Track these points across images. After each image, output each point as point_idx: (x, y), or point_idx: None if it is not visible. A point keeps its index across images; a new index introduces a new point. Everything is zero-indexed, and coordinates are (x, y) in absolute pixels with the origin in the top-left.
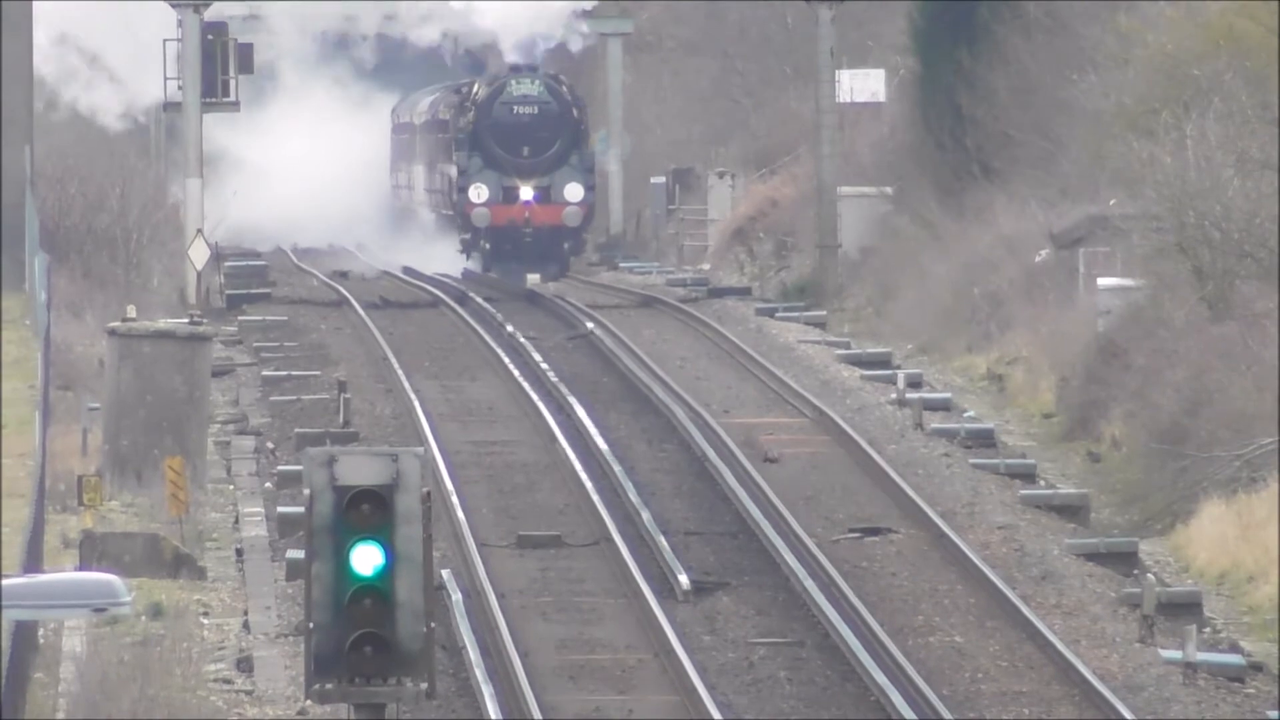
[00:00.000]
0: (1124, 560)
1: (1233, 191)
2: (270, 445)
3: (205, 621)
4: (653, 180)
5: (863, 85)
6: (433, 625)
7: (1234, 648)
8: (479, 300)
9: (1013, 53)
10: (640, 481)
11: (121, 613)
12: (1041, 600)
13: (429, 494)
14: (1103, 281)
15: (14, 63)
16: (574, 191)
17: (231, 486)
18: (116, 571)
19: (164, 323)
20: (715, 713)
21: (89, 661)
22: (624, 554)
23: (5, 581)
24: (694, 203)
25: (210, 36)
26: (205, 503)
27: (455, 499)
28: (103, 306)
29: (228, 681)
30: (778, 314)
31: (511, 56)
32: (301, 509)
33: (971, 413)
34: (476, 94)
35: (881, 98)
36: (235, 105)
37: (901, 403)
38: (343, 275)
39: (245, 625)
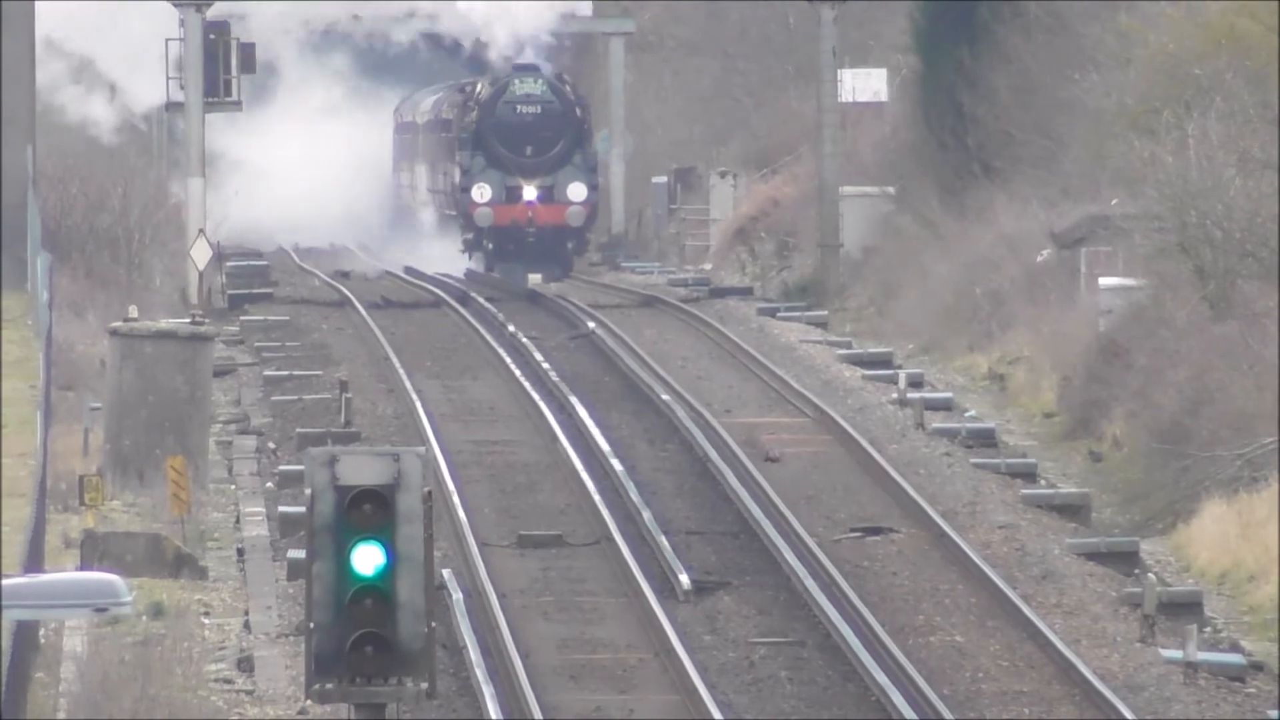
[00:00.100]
0: (1125, 560)
1: (1234, 191)
2: (272, 445)
3: (206, 621)
4: (654, 180)
5: (864, 85)
6: (434, 625)
7: (1235, 647)
8: (481, 300)
9: (1014, 52)
10: (641, 481)
11: (122, 612)
12: (1042, 600)
13: (430, 494)
14: (1104, 281)
15: (14, 63)
16: (577, 191)
17: (233, 486)
18: (118, 571)
19: (166, 322)
20: (716, 712)
21: (90, 661)
22: (625, 554)
23: (6, 581)
24: (695, 202)
25: (212, 36)
26: (207, 502)
27: (456, 499)
28: (104, 306)
29: (228, 681)
30: (779, 314)
31: (498, 53)
32: (303, 509)
33: (973, 412)
34: (480, 93)
35: (883, 97)
36: (237, 105)
37: (903, 402)
38: (344, 275)
39: (246, 625)
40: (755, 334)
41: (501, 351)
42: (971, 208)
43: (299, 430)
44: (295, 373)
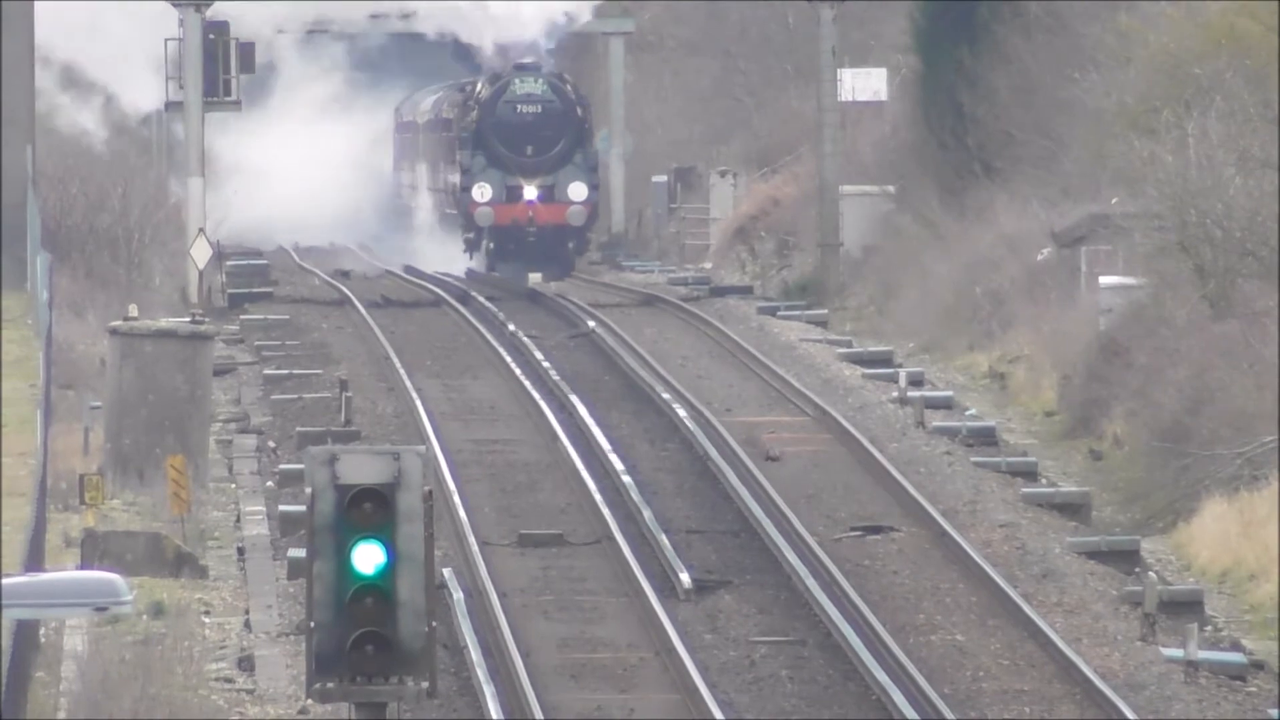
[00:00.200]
0: (1125, 558)
1: (1234, 190)
2: (272, 444)
3: (207, 620)
4: (654, 179)
5: (864, 84)
6: (434, 624)
7: (1235, 646)
8: (481, 299)
9: (1014, 52)
10: (642, 480)
11: (123, 612)
12: (1043, 598)
13: (430, 493)
14: (1104, 280)
15: (14, 63)
16: (578, 190)
17: (233, 485)
18: (118, 570)
19: (166, 322)
20: (717, 712)
21: (90, 660)
22: (625, 553)
23: (6, 580)
24: (696, 202)
25: (211, 36)
26: (207, 501)
27: (457, 498)
28: (104, 305)
29: (229, 680)
30: (779, 313)
31: (493, 53)
32: (303, 508)
33: (973, 411)
34: (480, 93)
35: (883, 97)
36: (237, 105)
37: (903, 401)
38: (345, 274)
39: (247, 624)
40: (755, 333)
41: (502, 350)
42: (971, 207)
43: (299, 429)
44: (295, 372)
